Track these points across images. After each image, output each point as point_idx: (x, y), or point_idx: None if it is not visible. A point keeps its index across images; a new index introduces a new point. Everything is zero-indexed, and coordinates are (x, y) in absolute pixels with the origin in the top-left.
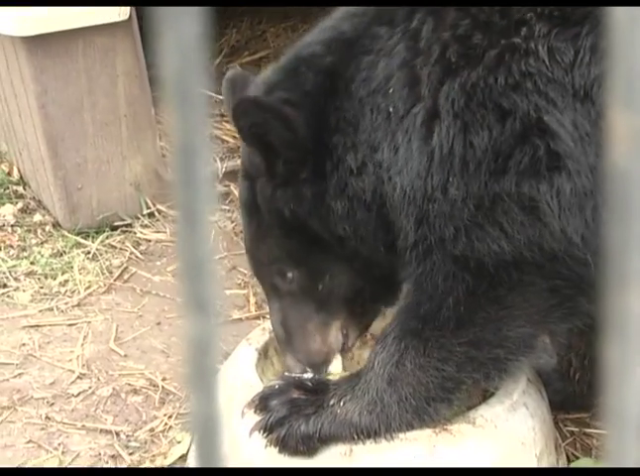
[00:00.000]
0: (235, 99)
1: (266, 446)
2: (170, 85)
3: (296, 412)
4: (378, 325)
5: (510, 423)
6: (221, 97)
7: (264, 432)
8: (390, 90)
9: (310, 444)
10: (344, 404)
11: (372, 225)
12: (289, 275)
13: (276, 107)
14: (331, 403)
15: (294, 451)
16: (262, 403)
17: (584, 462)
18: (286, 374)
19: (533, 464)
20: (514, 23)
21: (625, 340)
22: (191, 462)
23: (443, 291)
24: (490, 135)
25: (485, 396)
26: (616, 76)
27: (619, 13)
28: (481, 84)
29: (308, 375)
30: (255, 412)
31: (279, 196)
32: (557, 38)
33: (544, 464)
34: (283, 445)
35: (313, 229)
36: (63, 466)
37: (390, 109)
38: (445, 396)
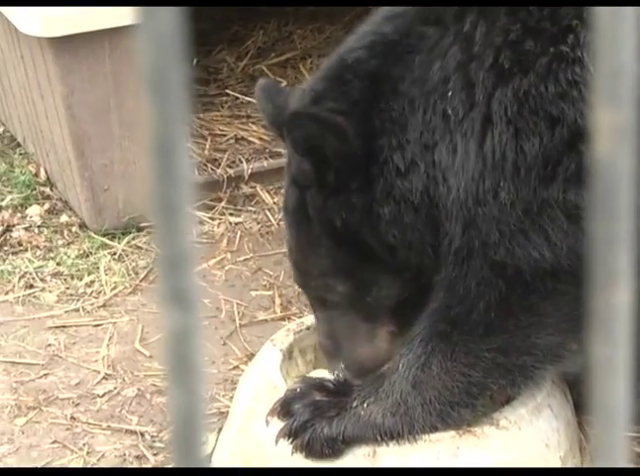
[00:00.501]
0: (272, 107)
1: (293, 453)
2: (148, 80)
3: (319, 414)
4: None
5: (534, 425)
6: (247, 99)
7: (288, 438)
8: (449, 93)
9: (335, 447)
10: (367, 405)
11: (419, 229)
12: (338, 288)
13: (331, 120)
14: (354, 404)
15: (320, 455)
16: (284, 408)
17: None
18: (308, 376)
19: (557, 466)
20: (562, 30)
21: (612, 337)
22: (216, 462)
23: (475, 295)
24: (541, 142)
25: (510, 398)
26: (600, 73)
27: (605, 11)
28: (533, 92)
29: (330, 376)
30: (278, 417)
31: (331, 206)
32: None
33: (569, 466)
34: (309, 450)
35: (364, 240)
36: (89, 466)
37: (449, 111)
38: (469, 401)
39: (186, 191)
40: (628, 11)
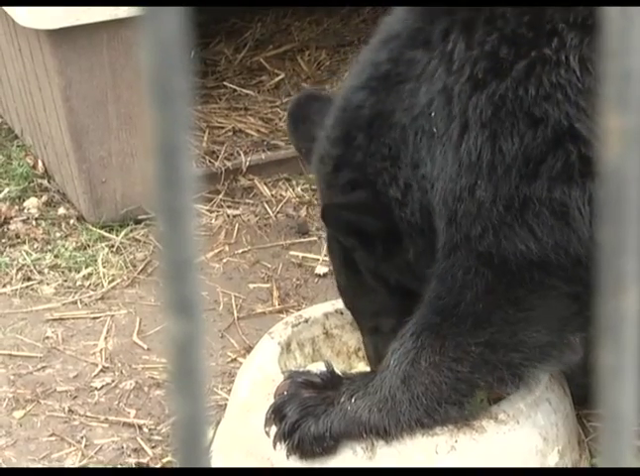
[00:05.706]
0: (299, 134)
1: (288, 457)
2: (151, 81)
3: (307, 413)
4: None
5: (533, 419)
6: (245, 91)
7: (282, 442)
8: (432, 113)
9: (324, 445)
10: (355, 400)
11: (426, 250)
12: (389, 324)
13: (361, 204)
14: (342, 400)
15: (312, 454)
16: (277, 415)
17: None
18: (293, 369)
19: (556, 460)
20: (545, 34)
21: (620, 343)
22: (214, 455)
23: (462, 284)
24: (521, 141)
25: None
26: (609, 77)
27: (613, 13)
28: (510, 96)
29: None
30: (274, 424)
31: (384, 269)
32: (589, 47)
33: (567, 460)
34: (301, 451)
35: (413, 289)
36: (86, 459)
37: (434, 129)
38: (457, 398)
39: (190, 197)
40: (638, 14)
